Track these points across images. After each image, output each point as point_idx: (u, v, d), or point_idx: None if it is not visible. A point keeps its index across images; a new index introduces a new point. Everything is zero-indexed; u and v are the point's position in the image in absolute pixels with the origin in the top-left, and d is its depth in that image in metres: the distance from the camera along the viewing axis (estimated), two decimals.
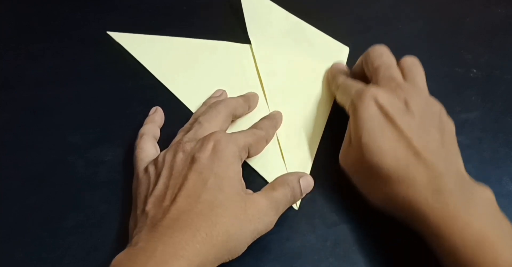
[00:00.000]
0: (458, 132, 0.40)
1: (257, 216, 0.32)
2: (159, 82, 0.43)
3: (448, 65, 0.44)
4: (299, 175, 0.35)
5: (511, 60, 0.45)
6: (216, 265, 0.30)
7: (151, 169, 0.34)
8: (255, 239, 0.32)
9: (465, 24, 0.47)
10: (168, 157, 0.33)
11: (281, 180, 0.35)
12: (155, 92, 0.42)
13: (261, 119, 0.39)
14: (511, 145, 0.40)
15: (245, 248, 0.31)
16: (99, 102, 0.42)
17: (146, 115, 0.41)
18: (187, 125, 0.38)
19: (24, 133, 0.40)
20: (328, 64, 0.43)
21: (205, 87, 0.41)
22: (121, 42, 0.44)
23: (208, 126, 0.35)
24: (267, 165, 0.38)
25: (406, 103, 0.34)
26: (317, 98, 0.42)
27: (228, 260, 0.31)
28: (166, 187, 0.32)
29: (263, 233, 0.32)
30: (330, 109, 0.41)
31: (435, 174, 0.31)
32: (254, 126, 0.38)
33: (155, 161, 0.34)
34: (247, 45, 0.45)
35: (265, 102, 0.41)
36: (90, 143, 0.40)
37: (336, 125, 0.40)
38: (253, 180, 0.37)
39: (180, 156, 0.33)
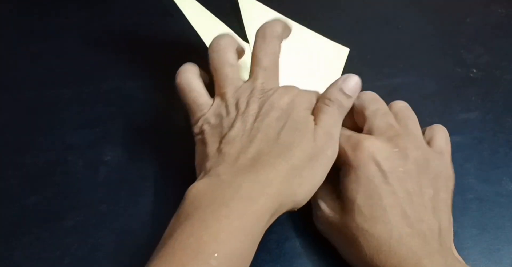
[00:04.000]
0: (458, 132, 0.40)
1: (323, 151, 0.31)
2: (159, 82, 0.43)
3: (448, 65, 0.44)
4: (337, 84, 0.34)
5: (511, 60, 0.45)
6: (297, 202, 0.31)
7: (224, 112, 0.33)
8: (329, 166, 0.32)
9: (465, 24, 0.47)
10: (243, 103, 0.33)
11: (321, 99, 0.34)
12: (155, 92, 0.42)
13: None
14: (511, 145, 0.40)
15: (321, 180, 0.32)
16: (99, 102, 0.42)
17: (146, 115, 0.41)
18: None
19: (24, 133, 0.40)
20: (328, 65, 0.43)
21: None
22: None
23: (271, 73, 0.35)
24: None
25: (406, 155, 0.31)
26: None
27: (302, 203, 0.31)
28: (243, 130, 0.32)
29: (333, 157, 0.32)
30: None
31: (428, 250, 0.29)
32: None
33: (226, 105, 0.33)
34: (247, 44, 0.44)
35: None
36: (90, 143, 0.39)
37: None
38: None
39: (256, 103, 0.33)
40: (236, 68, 0.35)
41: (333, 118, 0.33)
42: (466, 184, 0.38)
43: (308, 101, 0.34)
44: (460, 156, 0.39)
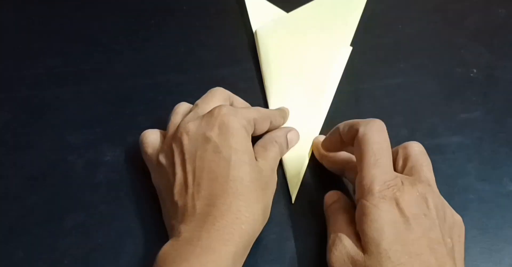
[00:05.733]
0: (459, 132, 0.40)
1: (269, 180, 0.34)
2: (159, 82, 0.43)
3: (448, 65, 0.44)
4: (286, 130, 0.37)
5: (511, 60, 0.45)
6: (257, 236, 0.32)
7: (163, 160, 0.33)
8: (272, 195, 0.34)
9: (465, 24, 0.47)
10: (175, 143, 0.33)
11: (269, 137, 0.36)
12: (155, 92, 0.42)
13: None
14: (511, 145, 0.40)
15: (270, 203, 0.34)
16: (99, 102, 0.42)
17: (146, 115, 0.41)
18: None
19: (24, 133, 0.40)
20: (331, 63, 0.43)
21: None
22: None
23: (206, 107, 0.35)
24: None
25: (426, 201, 0.30)
26: (317, 97, 0.42)
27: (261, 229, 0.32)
28: (185, 173, 0.32)
29: (274, 189, 0.35)
30: (328, 107, 0.41)
31: None
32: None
33: (163, 151, 0.34)
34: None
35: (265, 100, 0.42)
36: (90, 143, 0.40)
37: (333, 117, 0.40)
38: None
39: (186, 138, 0.33)
40: (180, 116, 0.36)
41: (277, 155, 0.36)
42: (467, 184, 0.38)
43: (240, 119, 0.33)
44: (460, 156, 0.39)
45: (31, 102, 0.42)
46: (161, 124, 0.38)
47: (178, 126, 0.34)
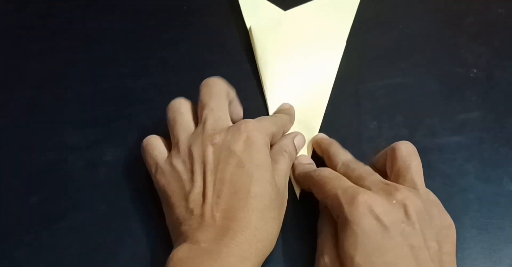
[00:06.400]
0: (459, 132, 0.40)
1: (284, 198, 0.34)
2: (159, 82, 0.43)
3: (448, 65, 0.44)
4: (292, 136, 0.37)
5: (511, 60, 0.45)
6: (267, 255, 0.32)
7: (179, 165, 0.33)
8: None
9: (465, 24, 0.47)
10: (197, 151, 0.33)
11: (278, 148, 0.36)
12: (155, 92, 0.42)
13: (279, 111, 0.40)
14: (511, 145, 0.40)
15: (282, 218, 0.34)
16: (99, 102, 0.42)
17: (146, 115, 0.41)
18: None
19: (24, 133, 0.40)
20: (326, 61, 0.43)
21: None
22: None
23: (221, 112, 0.35)
24: None
25: (406, 208, 0.29)
26: (314, 95, 0.42)
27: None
28: (205, 183, 0.31)
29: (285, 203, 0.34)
30: (325, 105, 0.41)
31: None
32: (275, 116, 0.39)
33: (179, 156, 0.33)
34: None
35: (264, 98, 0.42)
36: (90, 143, 0.40)
37: (333, 117, 0.40)
38: None
39: (211, 149, 0.32)
40: (187, 116, 0.35)
41: (288, 166, 0.36)
42: (466, 184, 0.38)
43: (264, 135, 0.34)
44: (460, 156, 0.39)
45: (31, 102, 0.42)
46: (161, 124, 0.38)
47: (203, 136, 0.33)
